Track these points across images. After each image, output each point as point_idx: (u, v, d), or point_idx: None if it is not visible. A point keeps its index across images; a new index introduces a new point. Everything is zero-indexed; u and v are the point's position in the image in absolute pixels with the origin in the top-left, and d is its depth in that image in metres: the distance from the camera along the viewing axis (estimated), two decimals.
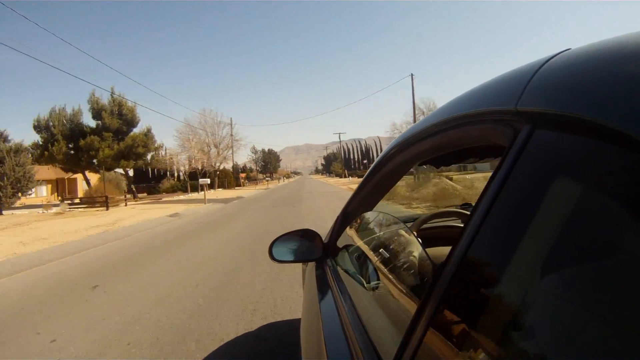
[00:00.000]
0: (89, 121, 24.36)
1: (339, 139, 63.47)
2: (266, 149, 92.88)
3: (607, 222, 0.31)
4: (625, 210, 0.29)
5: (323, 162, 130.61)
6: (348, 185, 26.64)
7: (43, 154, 21.99)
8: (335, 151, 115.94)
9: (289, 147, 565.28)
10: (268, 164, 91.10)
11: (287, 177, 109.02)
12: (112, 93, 23.59)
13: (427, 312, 0.45)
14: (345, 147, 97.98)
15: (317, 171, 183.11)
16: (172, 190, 31.79)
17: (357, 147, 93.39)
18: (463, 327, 0.39)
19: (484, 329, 0.37)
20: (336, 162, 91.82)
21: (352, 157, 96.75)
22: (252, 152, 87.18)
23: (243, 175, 75.94)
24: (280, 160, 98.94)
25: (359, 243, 1.08)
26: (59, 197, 28.01)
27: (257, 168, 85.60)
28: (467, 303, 0.41)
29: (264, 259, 4.21)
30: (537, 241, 0.34)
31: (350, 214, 1.23)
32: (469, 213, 0.61)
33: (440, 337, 0.42)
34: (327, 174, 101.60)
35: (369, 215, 1.14)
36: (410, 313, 0.51)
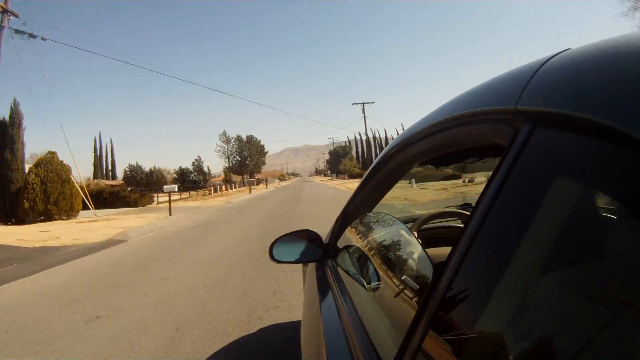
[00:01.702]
0: None
1: (363, 112, 36.95)
2: (244, 136, 59.54)
3: (607, 222, 0.31)
4: (625, 210, 0.29)
5: (327, 159, 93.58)
6: None
7: None
8: (345, 144, 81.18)
9: (288, 149, 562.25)
10: (246, 159, 57.98)
11: (280, 180, 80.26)
12: None
13: (428, 313, 0.44)
14: (359, 137, 66.26)
15: (317, 172, 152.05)
16: None
17: (375, 138, 59.76)
18: (464, 327, 0.39)
19: (484, 330, 0.37)
20: (346, 159, 64.71)
21: (368, 151, 63.08)
22: (222, 141, 57.00)
23: (220, 178, 55.81)
24: (267, 152, 63.45)
25: (359, 243, 1.08)
26: None
27: (229, 165, 56.69)
28: (467, 304, 0.41)
29: None
30: (537, 241, 0.34)
31: (351, 215, 1.23)
32: (469, 213, 0.60)
33: (440, 338, 0.42)
34: (335, 175, 71.71)
35: (369, 215, 1.14)
36: (410, 314, 0.51)
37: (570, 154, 0.34)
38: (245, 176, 58.16)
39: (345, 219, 1.25)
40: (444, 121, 0.59)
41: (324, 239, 1.34)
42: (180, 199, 22.70)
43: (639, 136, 0.27)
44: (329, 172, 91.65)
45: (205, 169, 53.58)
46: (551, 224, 0.34)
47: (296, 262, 1.36)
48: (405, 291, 0.68)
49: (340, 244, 1.25)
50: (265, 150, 63.27)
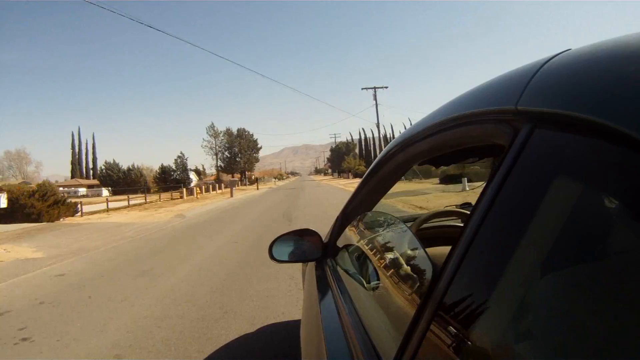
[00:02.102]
0: None
1: (374, 98, 28.34)
2: (233, 129, 51.92)
3: (607, 222, 0.31)
4: (625, 210, 0.29)
5: (328, 157, 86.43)
6: None
7: None
8: (349, 140, 74.07)
9: (287, 149, 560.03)
10: (237, 155, 50.56)
11: (278, 179, 73.66)
12: None
13: (427, 312, 0.45)
14: (363, 134, 62.25)
15: (317, 171, 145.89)
16: None
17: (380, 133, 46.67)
18: (463, 327, 0.39)
19: (484, 329, 0.37)
20: (350, 156, 59.26)
21: (375, 146, 57.97)
22: (210, 135, 49.41)
23: (213, 177, 48.48)
24: (260, 147, 55.54)
25: (359, 243, 1.08)
26: None
27: (219, 164, 49.54)
28: (467, 303, 0.41)
29: None
30: (536, 241, 0.34)
31: (350, 214, 1.23)
32: (468, 212, 0.61)
33: (440, 337, 0.42)
34: (337, 174, 64.86)
35: (369, 215, 1.14)
36: (410, 313, 0.51)
37: (570, 154, 0.34)
38: (235, 175, 49.95)
39: (345, 218, 1.25)
40: (444, 121, 0.59)
41: (323, 238, 1.34)
42: (128, 206, 16.63)
43: (638, 137, 0.27)
44: (329, 170, 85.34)
45: (200, 168, 49.44)
46: (551, 223, 0.34)
47: (296, 261, 1.36)
48: (404, 290, 0.68)
49: (340, 243, 1.25)
50: (259, 146, 55.37)
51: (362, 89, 29.67)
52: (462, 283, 0.41)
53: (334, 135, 77.54)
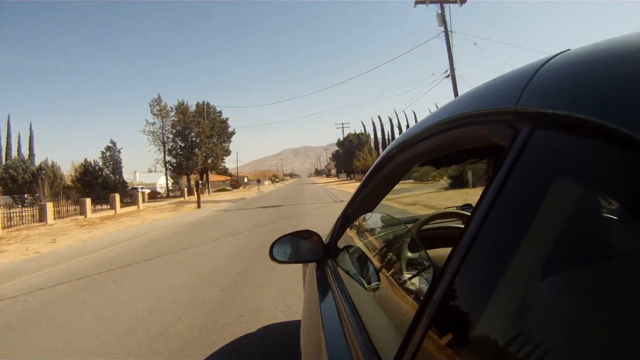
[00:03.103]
0: None
1: (442, 19, 13.48)
2: (189, 103, 32.35)
3: (608, 223, 0.32)
4: (625, 211, 0.29)
5: (333, 154, 68.00)
6: None
7: None
8: (360, 131, 56.58)
9: (286, 150, 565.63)
10: (195, 145, 31.02)
11: (271, 182, 64.57)
12: None
13: (428, 314, 0.45)
14: (379, 123, 50.99)
15: (318, 172, 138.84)
16: None
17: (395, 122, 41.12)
18: (463, 328, 0.39)
19: (484, 331, 0.37)
20: (365, 150, 45.72)
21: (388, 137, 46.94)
22: (155, 114, 30.88)
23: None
24: (233, 132, 35.99)
25: (360, 244, 1.08)
26: None
27: (167, 160, 30.98)
28: (467, 304, 0.41)
29: None
30: (537, 242, 0.34)
31: (351, 215, 1.23)
32: (469, 214, 0.61)
33: (440, 338, 0.42)
34: (346, 176, 55.18)
35: (370, 216, 1.14)
36: (410, 314, 0.51)
37: (570, 155, 0.34)
38: (193, 176, 31.63)
39: (345, 219, 1.25)
40: (445, 122, 0.59)
41: (324, 239, 1.34)
42: None
43: (639, 137, 0.27)
44: (332, 171, 70.17)
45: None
46: (551, 225, 0.34)
47: (296, 262, 1.37)
48: (405, 291, 0.68)
49: (341, 244, 1.25)
50: (230, 129, 36.11)
51: (417, 3, 15.23)
52: (462, 284, 0.41)
53: (341, 125, 57.23)
